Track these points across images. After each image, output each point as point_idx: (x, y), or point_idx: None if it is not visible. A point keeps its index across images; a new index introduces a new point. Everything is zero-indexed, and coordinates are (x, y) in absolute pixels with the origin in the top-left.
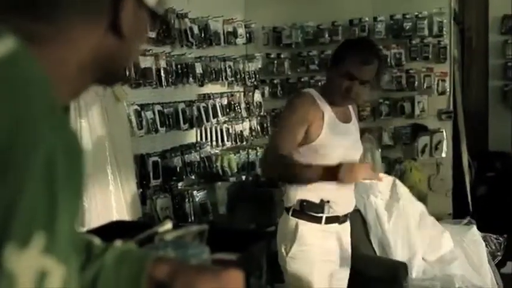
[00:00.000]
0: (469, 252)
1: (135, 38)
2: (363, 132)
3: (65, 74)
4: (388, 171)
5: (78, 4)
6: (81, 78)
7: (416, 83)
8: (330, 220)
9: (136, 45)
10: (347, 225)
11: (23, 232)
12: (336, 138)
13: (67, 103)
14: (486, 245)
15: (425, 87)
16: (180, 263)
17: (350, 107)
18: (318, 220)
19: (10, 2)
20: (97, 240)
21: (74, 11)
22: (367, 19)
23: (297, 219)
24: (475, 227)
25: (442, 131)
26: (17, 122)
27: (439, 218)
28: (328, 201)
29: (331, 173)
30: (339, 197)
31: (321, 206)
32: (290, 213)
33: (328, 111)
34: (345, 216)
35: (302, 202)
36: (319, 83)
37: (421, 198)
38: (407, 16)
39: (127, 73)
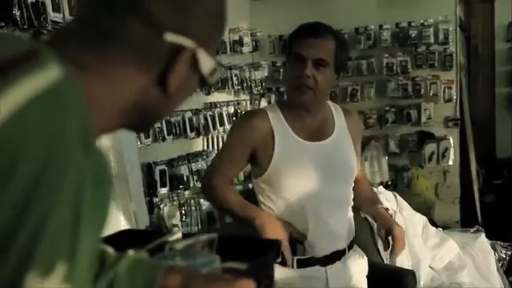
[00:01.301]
0: (478, 260)
1: (178, 97)
2: (369, 140)
3: (102, 109)
4: (395, 179)
5: (134, 44)
6: (115, 118)
7: (422, 90)
8: (305, 263)
9: (178, 104)
10: (345, 267)
11: (46, 261)
12: (295, 163)
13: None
14: (494, 252)
15: (431, 94)
16: (191, 273)
17: (335, 117)
18: (286, 262)
19: (78, 30)
20: (110, 250)
21: (127, 49)
22: (372, 27)
23: None
24: (483, 235)
25: (449, 139)
26: (51, 146)
27: (446, 226)
28: (302, 242)
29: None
30: (322, 231)
31: (291, 245)
32: None
33: (282, 129)
34: (333, 256)
35: None
36: None
37: (429, 206)
38: (412, 24)
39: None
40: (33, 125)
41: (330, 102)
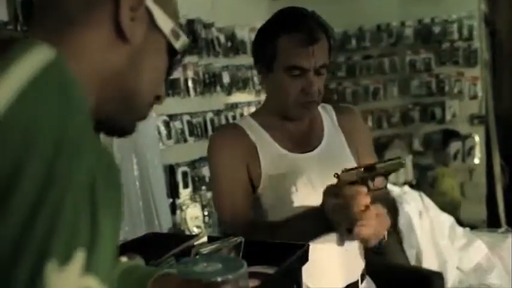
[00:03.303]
0: (507, 261)
1: (147, 57)
2: (392, 138)
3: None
4: (419, 178)
5: (76, 3)
6: (94, 96)
7: (446, 87)
8: None
9: (151, 72)
10: None
11: (64, 249)
12: (286, 181)
13: None
14: None
15: (456, 92)
16: (184, 281)
17: (323, 117)
18: None
19: (33, 19)
20: None
21: (72, 12)
22: (394, 24)
23: None
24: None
25: (474, 137)
26: (63, 128)
27: (473, 226)
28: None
29: (317, 217)
30: (332, 258)
31: None
32: None
33: (264, 142)
34: None
35: None
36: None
37: (455, 205)
38: (436, 20)
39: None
40: (42, 104)
41: None
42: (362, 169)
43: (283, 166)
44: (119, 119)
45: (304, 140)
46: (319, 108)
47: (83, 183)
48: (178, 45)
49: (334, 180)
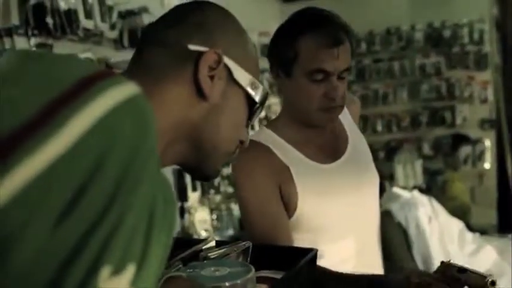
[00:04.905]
0: None
1: (225, 112)
2: (401, 143)
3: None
4: (429, 183)
5: (166, 62)
6: (166, 147)
7: (456, 91)
8: None
9: (229, 125)
10: None
11: (119, 259)
12: (323, 196)
13: None
14: None
15: (466, 96)
16: (194, 285)
17: (342, 118)
18: None
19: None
20: None
21: (162, 69)
22: (404, 28)
23: None
24: None
25: (485, 141)
26: (135, 153)
27: (483, 231)
28: None
29: None
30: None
31: None
32: None
33: (296, 160)
34: None
35: None
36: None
37: (464, 210)
38: (446, 24)
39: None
40: (121, 131)
41: None
42: (457, 268)
43: (318, 180)
44: (202, 168)
45: (331, 149)
46: None
47: (144, 205)
48: (257, 96)
49: (363, 183)
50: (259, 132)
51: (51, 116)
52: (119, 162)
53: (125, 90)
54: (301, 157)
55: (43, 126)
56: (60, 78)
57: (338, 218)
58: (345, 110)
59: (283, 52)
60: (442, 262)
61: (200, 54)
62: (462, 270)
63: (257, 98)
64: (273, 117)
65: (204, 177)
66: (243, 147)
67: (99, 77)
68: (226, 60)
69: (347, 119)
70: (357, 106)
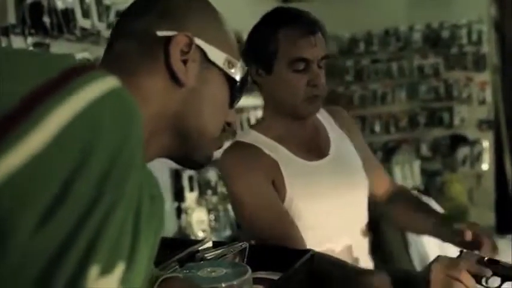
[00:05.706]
0: None
1: (203, 94)
2: (400, 143)
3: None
4: (427, 184)
5: (137, 53)
6: (149, 140)
7: (455, 92)
8: None
9: (209, 109)
10: None
11: (108, 258)
12: (309, 191)
13: None
14: None
15: (464, 96)
16: (188, 285)
17: (321, 120)
18: None
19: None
20: None
21: (133, 65)
22: (403, 28)
23: None
24: None
25: (483, 142)
26: (121, 145)
27: None
28: None
29: None
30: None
31: None
32: None
33: (284, 156)
34: None
35: None
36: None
37: (463, 211)
38: (444, 25)
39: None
40: (105, 122)
41: None
42: (486, 259)
43: (304, 176)
44: (192, 156)
45: (315, 147)
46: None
47: (131, 200)
48: (236, 74)
49: (352, 184)
50: (245, 134)
51: (33, 107)
52: (106, 155)
53: (108, 83)
54: (288, 154)
55: (26, 118)
56: (42, 69)
57: (327, 217)
58: (327, 113)
59: (263, 48)
60: (461, 251)
61: (169, 39)
62: (493, 261)
63: (237, 77)
64: None
65: (197, 165)
66: (231, 129)
67: (82, 69)
68: (199, 41)
69: (329, 123)
70: (341, 112)
